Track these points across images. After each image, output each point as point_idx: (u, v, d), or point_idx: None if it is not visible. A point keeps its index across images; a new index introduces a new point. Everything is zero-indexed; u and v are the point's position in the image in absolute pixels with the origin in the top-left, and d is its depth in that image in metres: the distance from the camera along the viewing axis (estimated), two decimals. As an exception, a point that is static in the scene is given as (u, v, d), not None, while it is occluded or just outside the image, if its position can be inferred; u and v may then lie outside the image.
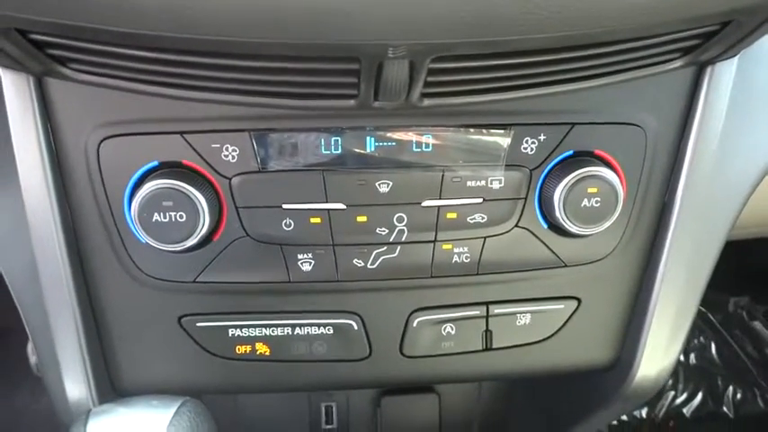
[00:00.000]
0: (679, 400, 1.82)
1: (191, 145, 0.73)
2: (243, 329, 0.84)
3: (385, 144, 0.75)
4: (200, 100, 0.69)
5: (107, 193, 0.75)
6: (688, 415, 1.81)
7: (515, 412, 1.49)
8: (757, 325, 1.88)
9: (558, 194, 0.75)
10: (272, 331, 0.84)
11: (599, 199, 0.75)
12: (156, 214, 0.71)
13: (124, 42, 0.59)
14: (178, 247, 0.73)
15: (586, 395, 1.09)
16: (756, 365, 1.86)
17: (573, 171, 0.75)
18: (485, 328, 0.87)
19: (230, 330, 0.84)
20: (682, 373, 1.84)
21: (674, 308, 0.88)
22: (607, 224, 0.77)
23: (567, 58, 0.65)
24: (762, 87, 0.83)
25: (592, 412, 1.08)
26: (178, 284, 0.79)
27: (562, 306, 0.87)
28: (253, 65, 0.61)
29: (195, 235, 0.72)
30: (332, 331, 0.85)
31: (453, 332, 0.86)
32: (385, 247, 0.79)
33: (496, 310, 0.86)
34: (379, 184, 0.76)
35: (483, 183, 0.77)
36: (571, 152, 0.77)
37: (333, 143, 0.75)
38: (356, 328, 0.85)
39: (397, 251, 0.79)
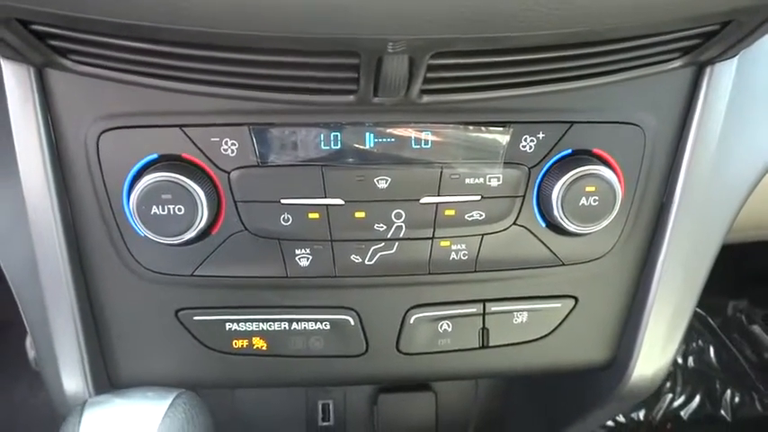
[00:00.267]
0: (677, 403, 1.82)
1: (190, 138, 0.73)
2: (240, 324, 0.84)
3: (384, 140, 0.76)
4: (199, 93, 0.70)
5: (106, 185, 0.75)
6: (685, 418, 1.81)
7: (512, 411, 1.49)
8: (756, 329, 1.88)
9: (556, 193, 0.75)
10: (269, 326, 0.84)
11: (597, 198, 0.75)
12: (154, 207, 0.71)
13: (124, 34, 0.59)
14: (176, 241, 0.73)
15: (583, 394, 1.09)
16: (754, 369, 1.86)
17: (571, 169, 0.75)
18: (481, 326, 0.87)
19: (227, 324, 0.84)
20: (680, 376, 1.84)
21: (671, 307, 0.88)
22: (605, 223, 0.77)
23: (566, 56, 0.65)
24: (761, 88, 0.83)
25: (588, 411, 1.08)
26: (176, 278, 0.80)
27: (559, 305, 0.87)
28: (253, 58, 0.62)
29: (193, 228, 0.72)
30: (329, 327, 0.85)
31: (450, 329, 0.86)
32: (383, 244, 0.79)
33: (493, 308, 0.86)
34: (377, 180, 0.76)
35: (481, 180, 0.77)
36: (570, 151, 0.78)
37: (332, 138, 0.75)
38: (353, 324, 0.85)
39: (395, 247, 0.79)
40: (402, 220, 0.78)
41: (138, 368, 0.86)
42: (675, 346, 0.91)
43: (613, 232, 0.83)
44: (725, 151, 0.81)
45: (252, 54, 0.61)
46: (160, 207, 0.71)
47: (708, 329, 1.92)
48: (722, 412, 1.82)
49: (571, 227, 0.76)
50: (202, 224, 0.72)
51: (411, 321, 0.85)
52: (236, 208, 0.76)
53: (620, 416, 1.78)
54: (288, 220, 0.77)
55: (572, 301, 0.88)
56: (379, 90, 0.67)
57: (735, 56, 0.77)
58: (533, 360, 0.90)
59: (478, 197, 0.78)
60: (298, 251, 0.79)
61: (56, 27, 0.60)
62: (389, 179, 0.76)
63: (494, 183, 0.78)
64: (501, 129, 0.76)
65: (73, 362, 0.83)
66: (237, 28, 0.54)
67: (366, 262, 0.80)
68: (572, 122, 0.77)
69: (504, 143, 0.77)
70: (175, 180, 0.70)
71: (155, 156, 0.73)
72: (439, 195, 0.77)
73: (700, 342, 1.90)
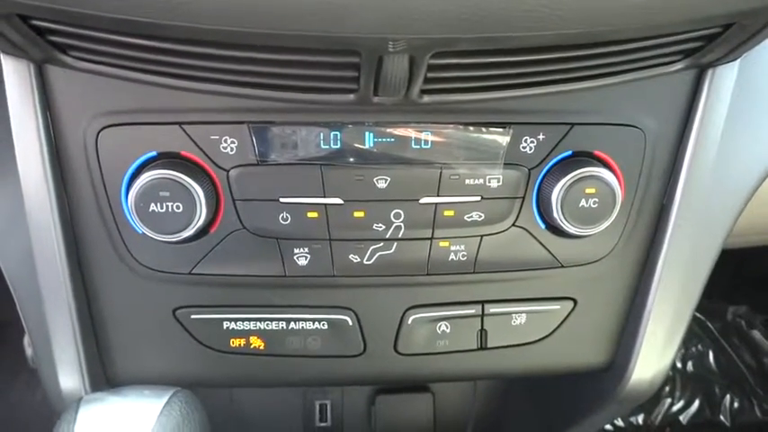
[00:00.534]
0: (676, 408, 1.82)
1: (189, 136, 0.73)
2: (237, 323, 0.84)
3: (384, 140, 0.75)
4: (199, 91, 0.70)
5: (105, 182, 0.75)
6: (684, 422, 1.81)
7: (510, 412, 1.49)
8: (756, 334, 1.88)
9: (555, 194, 0.75)
10: (267, 325, 0.84)
11: (597, 200, 0.75)
12: (152, 204, 0.71)
13: (124, 30, 0.59)
14: (174, 238, 0.73)
15: (581, 396, 1.08)
16: (754, 374, 1.86)
17: (571, 171, 0.75)
18: (480, 327, 0.86)
19: (225, 323, 0.84)
20: (679, 381, 1.84)
21: (671, 311, 0.88)
22: (605, 225, 0.77)
23: (567, 58, 0.65)
24: (763, 92, 0.83)
25: (586, 414, 1.08)
26: (174, 276, 0.79)
27: (558, 307, 0.87)
28: (252, 56, 0.61)
29: (192, 226, 0.72)
30: (326, 327, 0.85)
31: (448, 330, 0.86)
32: (381, 243, 0.79)
33: (492, 310, 0.86)
34: (377, 180, 0.76)
35: (481, 181, 0.77)
36: (570, 152, 0.77)
37: (332, 138, 0.75)
38: (351, 323, 0.84)
39: (394, 247, 0.79)
40: (401, 220, 0.78)
41: (134, 366, 0.86)
42: (674, 349, 0.91)
43: (613, 234, 0.83)
44: (726, 154, 0.81)
45: (252, 52, 0.61)
46: (159, 205, 0.71)
47: (707, 334, 1.92)
48: (721, 417, 1.81)
49: (571, 229, 0.76)
50: (201, 222, 0.72)
51: (409, 322, 0.85)
52: (235, 206, 0.76)
53: (619, 419, 1.77)
54: (287, 218, 0.77)
55: (571, 304, 0.88)
56: (380, 89, 0.67)
57: (737, 59, 0.77)
58: (532, 362, 0.90)
59: (478, 198, 0.78)
60: (296, 250, 0.79)
61: (56, 23, 0.60)
62: (389, 179, 0.76)
63: (493, 184, 0.77)
64: (501, 129, 0.76)
65: (70, 359, 0.82)
66: (236, 25, 0.54)
67: (365, 262, 0.80)
68: (572, 124, 0.77)
69: (505, 144, 0.76)
70: (174, 178, 0.70)
71: (154, 153, 0.73)
72: (438, 196, 0.77)
73: (699, 346, 1.90)
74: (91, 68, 0.69)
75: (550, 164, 0.77)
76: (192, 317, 0.83)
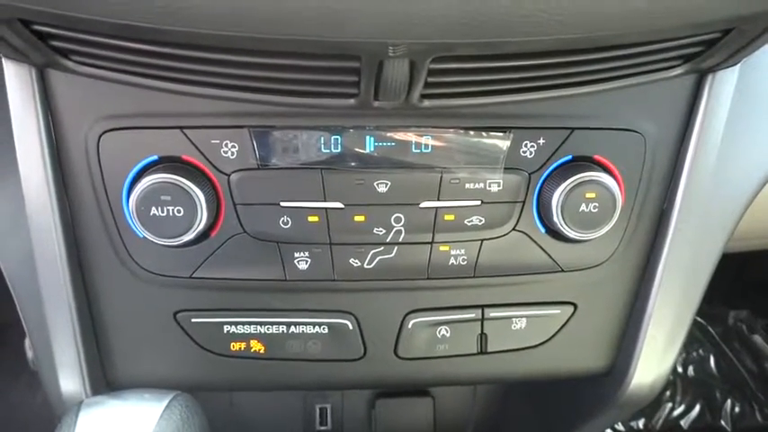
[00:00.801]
0: (676, 412, 1.81)
1: (190, 140, 0.73)
2: (238, 326, 0.84)
3: (384, 144, 0.76)
4: (200, 95, 0.70)
5: (106, 186, 0.75)
6: (685, 427, 1.80)
7: (510, 417, 1.48)
8: (757, 339, 1.88)
9: (556, 199, 0.75)
10: (267, 329, 0.84)
11: (597, 204, 0.75)
12: (153, 208, 0.71)
13: (125, 35, 0.60)
14: (175, 242, 0.73)
15: (581, 401, 1.08)
16: (755, 379, 1.85)
17: (571, 176, 0.75)
18: (480, 332, 0.86)
19: (225, 327, 0.84)
20: (680, 385, 1.84)
21: (671, 315, 0.88)
22: (605, 230, 0.77)
23: (567, 62, 0.65)
24: (763, 97, 0.83)
25: (586, 418, 1.08)
26: (174, 279, 0.80)
27: (558, 311, 0.87)
28: (254, 61, 0.62)
29: (192, 230, 0.72)
30: (327, 331, 0.85)
31: (448, 335, 0.86)
32: (382, 248, 0.79)
33: (492, 314, 0.86)
34: (377, 184, 0.76)
35: (481, 185, 0.77)
36: (570, 157, 0.77)
37: (332, 142, 0.75)
38: (351, 327, 0.85)
39: (394, 252, 0.79)
40: (401, 224, 0.78)
41: (135, 369, 0.86)
42: (675, 354, 0.91)
43: (613, 239, 0.83)
44: (726, 159, 0.81)
45: (252, 56, 0.61)
46: (159, 208, 0.71)
47: (708, 339, 1.91)
48: (722, 422, 1.81)
49: (571, 233, 0.76)
50: (201, 226, 0.72)
51: (409, 326, 0.85)
52: (236, 210, 0.76)
53: (620, 424, 1.77)
54: (287, 223, 0.77)
55: (571, 308, 0.88)
56: (380, 94, 0.67)
57: (736, 64, 0.77)
58: (532, 366, 0.90)
59: (478, 202, 0.78)
60: (297, 254, 0.79)
61: (57, 27, 0.60)
62: (389, 183, 0.76)
63: (494, 188, 0.78)
64: (501, 134, 0.76)
65: (70, 362, 0.82)
66: (237, 30, 0.54)
67: (365, 266, 0.80)
68: (573, 129, 0.77)
69: (505, 148, 0.77)
70: (175, 182, 0.70)
71: (155, 157, 0.73)
72: (439, 200, 0.77)
73: (700, 351, 1.89)
74: (92, 73, 0.69)
75: (551, 168, 0.78)
76: (193, 320, 0.83)
